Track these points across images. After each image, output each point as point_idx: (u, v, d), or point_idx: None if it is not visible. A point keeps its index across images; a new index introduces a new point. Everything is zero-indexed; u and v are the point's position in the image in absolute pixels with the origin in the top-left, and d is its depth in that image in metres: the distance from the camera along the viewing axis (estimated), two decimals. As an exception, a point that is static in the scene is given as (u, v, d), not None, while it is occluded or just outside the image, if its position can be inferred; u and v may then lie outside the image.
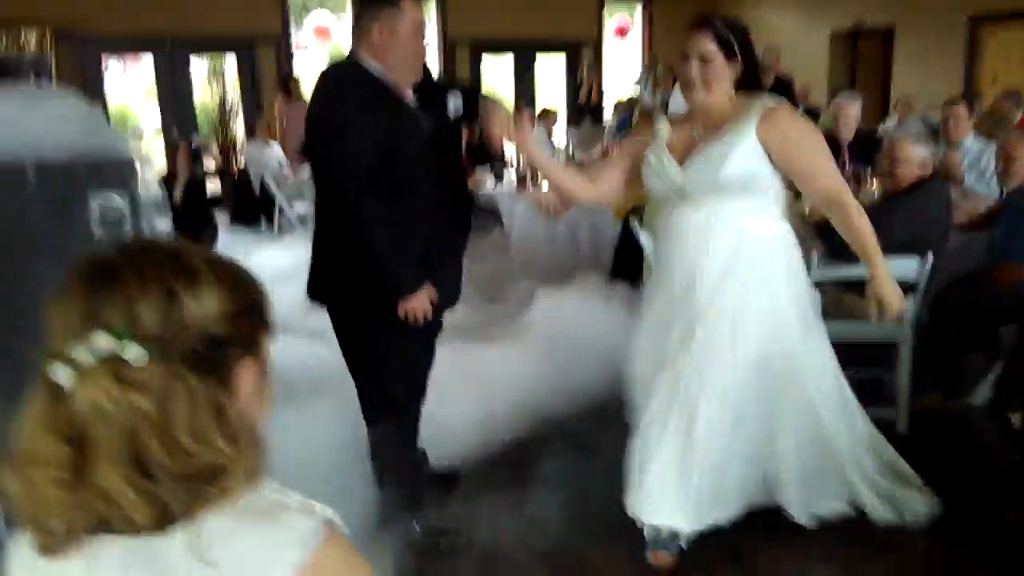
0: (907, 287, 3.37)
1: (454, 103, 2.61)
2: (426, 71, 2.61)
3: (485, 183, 5.98)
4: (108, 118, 8.90)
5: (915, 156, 3.39)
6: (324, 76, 2.53)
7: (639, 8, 12.51)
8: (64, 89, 2.13)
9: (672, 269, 2.48)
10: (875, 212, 3.45)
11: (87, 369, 0.76)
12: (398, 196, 2.43)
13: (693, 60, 2.34)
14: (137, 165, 1.95)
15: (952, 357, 3.61)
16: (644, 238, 4.00)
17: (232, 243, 7.64)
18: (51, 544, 0.80)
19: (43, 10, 8.12)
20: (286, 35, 9.91)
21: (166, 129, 9.60)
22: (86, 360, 0.76)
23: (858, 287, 3.46)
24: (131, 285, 0.79)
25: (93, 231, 1.82)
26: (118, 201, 1.85)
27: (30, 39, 8.11)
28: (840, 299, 3.55)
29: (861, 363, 3.77)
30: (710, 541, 2.57)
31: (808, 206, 3.85)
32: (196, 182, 7.47)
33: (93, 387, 0.75)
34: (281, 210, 7.47)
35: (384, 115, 2.40)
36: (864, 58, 11.11)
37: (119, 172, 1.87)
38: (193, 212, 7.52)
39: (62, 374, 0.76)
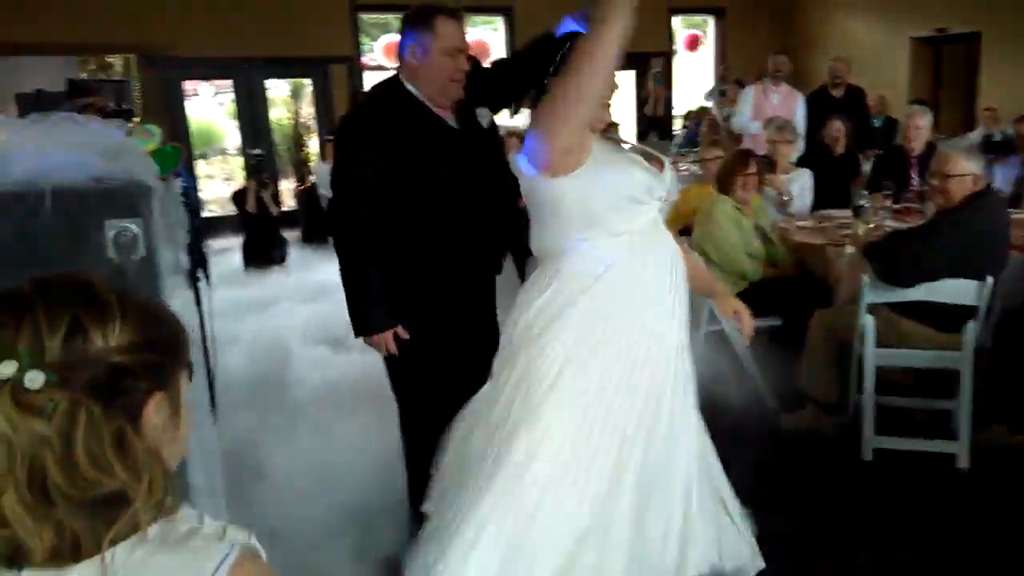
0: (968, 311, 3.19)
1: (484, 116, 2.59)
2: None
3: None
4: (188, 137, 9.35)
5: (966, 170, 3.19)
6: (366, 94, 2.58)
7: (712, 20, 12.32)
8: (90, 120, 2.21)
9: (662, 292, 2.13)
10: (925, 231, 3.28)
11: None
12: (419, 219, 2.43)
13: None
14: (156, 188, 2.00)
15: (1019, 387, 3.37)
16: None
17: (301, 258, 7.89)
18: None
19: (129, 37, 8.57)
20: (358, 56, 10.15)
21: (244, 147, 9.98)
22: None
23: (913, 311, 3.30)
24: (39, 314, 0.81)
25: (108, 254, 1.88)
26: (132, 227, 1.91)
27: (116, 64, 8.56)
28: (895, 324, 3.36)
29: (919, 393, 3.58)
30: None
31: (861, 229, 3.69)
32: (265, 206, 7.78)
33: None
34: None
35: (413, 135, 2.39)
36: (948, 65, 10.62)
37: (134, 197, 1.92)
38: (263, 230, 7.82)
39: None
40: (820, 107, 6.58)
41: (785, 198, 4.82)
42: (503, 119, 2.76)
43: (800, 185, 4.99)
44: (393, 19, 10.48)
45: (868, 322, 3.28)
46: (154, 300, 0.92)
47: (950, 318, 3.23)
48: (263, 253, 7.71)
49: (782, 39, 12.07)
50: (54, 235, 1.85)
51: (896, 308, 3.35)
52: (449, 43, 2.40)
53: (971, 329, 3.17)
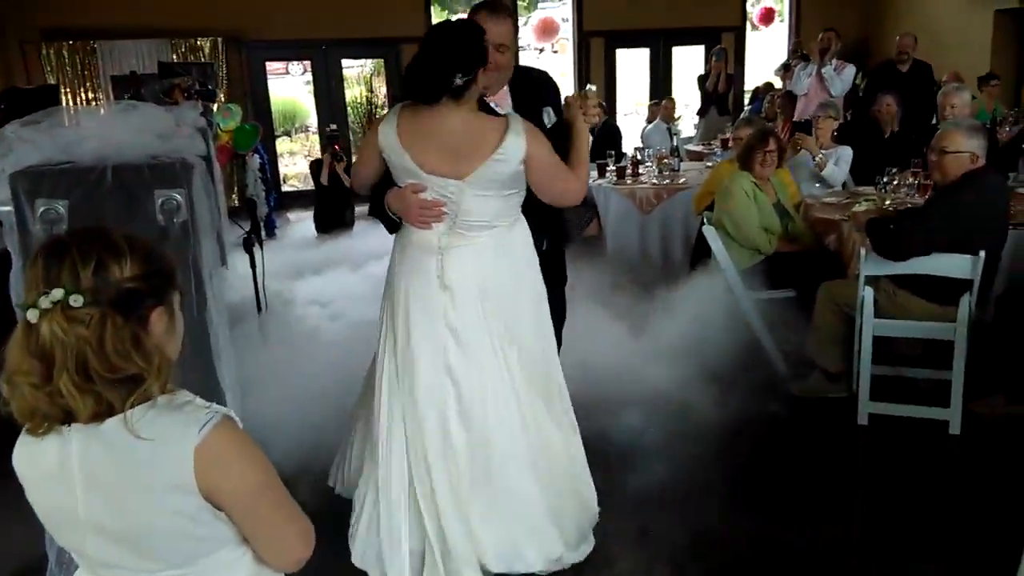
0: (965, 284, 3.32)
1: (548, 114, 2.73)
2: (533, 81, 2.78)
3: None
4: (271, 114, 9.92)
5: (963, 147, 3.28)
6: None
7: (787, -7, 12.12)
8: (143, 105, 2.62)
9: None
10: (920, 209, 3.40)
11: (46, 311, 1.16)
12: None
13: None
14: (197, 165, 2.40)
15: (1018, 358, 3.47)
16: (709, 234, 4.12)
17: (366, 231, 8.35)
18: (34, 428, 1.22)
19: (215, 21, 9.18)
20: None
21: (320, 124, 10.53)
22: (45, 305, 1.16)
23: (912, 284, 3.45)
24: (75, 256, 1.20)
25: (156, 218, 2.29)
26: (177, 196, 2.31)
27: (204, 46, 9.20)
28: (894, 296, 3.51)
29: (927, 364, 3.72)
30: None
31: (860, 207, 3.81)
32: (338, 177, 8.26)
33: (51, 322, 1.16)
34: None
35: None
36: (1033, 39, 10.20)
37: (179, 172, 2.33)
38: (336, 200, 8.30)
39: (31, 315, 1.17)
40: (885, 82, 6.56)
41: (820, 158, 4.97)
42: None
43: (835, 160, 5.10)
44: (464, 1, 10.82)
45: (867, 294, 3.44)
46: (152, 243, 1.30)
47: (947, 291, 3.36)
48: (334, 221, 8.19)
49: (860, 13, 11.80)
50: (114, 202, 2.27)
51: (896, 281, 3.50)
52: (491, 36, 2.57)
53: (965, 302, 3.30)
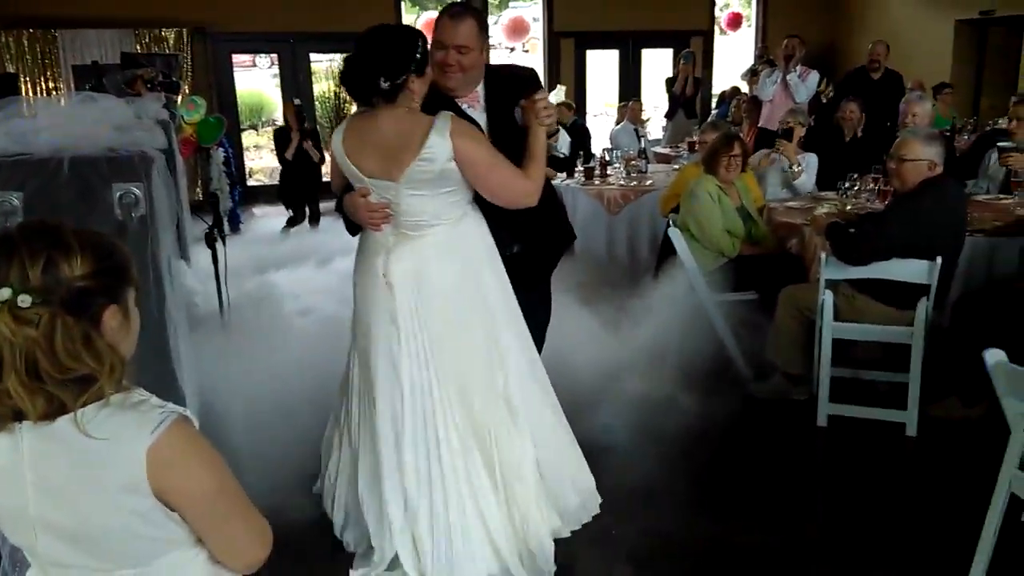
0: (921, 289, 3.38)
1: (519, 113, 2.66)
2: (510, 80, 2.73)
3: (553, 176, 6.19)
4: (236, 107, 9.79)
5: (921, 155, 3.35)
6: None
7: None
8: (107, 96, 2.57)
9: None
10: (879, 215, 3.46)
11: None
12: None
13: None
14: (156, 158, 2.36)
15: (973, 363, 3.54)
16: (674, 236, 4.15)
17: (332, 226, 8.29)
18: None
19: (180, 12, 9.04)
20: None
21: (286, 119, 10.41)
22: None
23: (870, 288, 3.51)
24: (23, 253, 1.16)
25: (114, 212, 2.25)
26: (135, 190, 2.27)
27: (169, 37, 9.06)
28: (853, 300, 3.57)
29: (886, 367, 3.79)
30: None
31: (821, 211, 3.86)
32: (306, 153, 8.03)
33: None
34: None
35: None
36: (992, 49, 10.45)
37: (138, 165, 2.28)
38: (302, 179, 8.11)
39: None
40: (855, 88, 6.67)
41: (797, 168, 5.03)
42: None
43: (807, 162, 5.17)
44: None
45: (827, 298, 3.50)
46: (108, 237, 1.26)
47: (905, 296, 3.42)
48: (300, 200, 8.07)
49: (825, 20, 11.99)
50: (71, 194, 2.22)
51: (855, 285, 3.56)
52: (436, 36, 2.63)
53: (923, 306, 3.37)
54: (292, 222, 8.22)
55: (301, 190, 8.20)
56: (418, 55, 2.33)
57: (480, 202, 2.55)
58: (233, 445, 2.67)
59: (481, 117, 2.71)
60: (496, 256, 2.58)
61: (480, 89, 2.72)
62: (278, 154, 8.34)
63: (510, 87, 2.72)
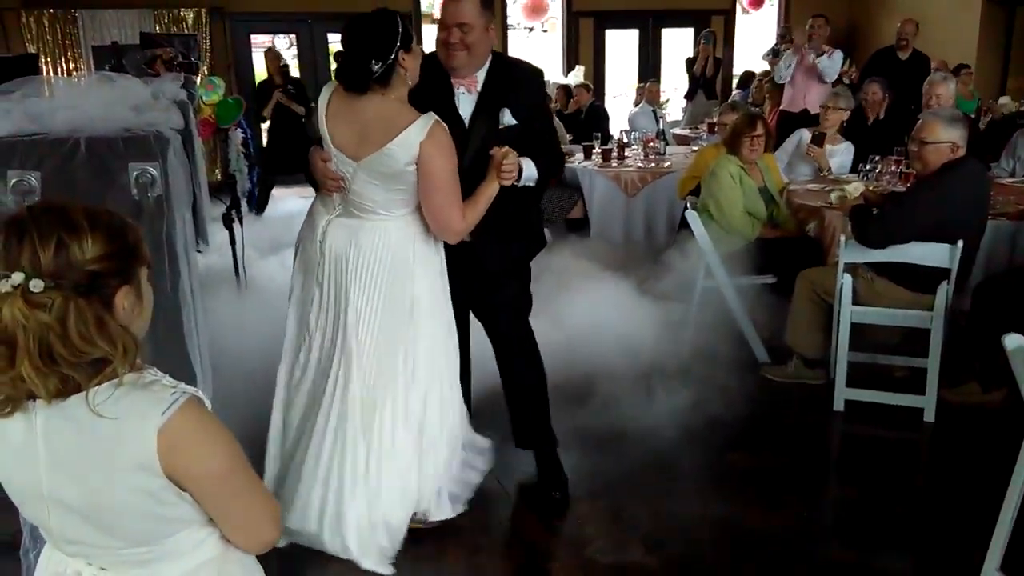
0: (942, 273, 3.34)
1: (506, 117, 2.64)
2: (510, 78, 2.67)
3: (573, 157, 6.16)
4: (255, 88, 9.77)
5: (943, 138, 3.29)
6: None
7: (778, -23, 12.08)
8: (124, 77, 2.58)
9: None
10: (900, 197, 3.42)
11: (6, 295, 1.13)
12: None
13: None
14: (173, 138, 2.36)
15: (993, 348, 3.49)
16: (692, 218, 4.10)
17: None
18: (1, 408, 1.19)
19: (199, -8, 9.06)
20: (417, 11, 10.40)
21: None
22: (5, 289, 1.14)
23: (891, 272, 3.46)
24: (34, 238, 1.16)
25: (130, 192, 2.26)
26: (151, 169, 2.28)
27: (187, 17, 9.07)
28: (872, 284, 3.53)
29: (906, 352, 3.75)
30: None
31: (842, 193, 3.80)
32: (285, 107, 7.61)
33: (11, 307, 1.13)
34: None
35: (429, 96, 2.53)
36: (1020, 31, 10.23)
37: (154, 145, 2.28)
38: (286, 137, 7.69)
39: None
40: (884, 68, 6.56)
41: (823, 173, 4.95)
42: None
43: (839, 160, 5.09)
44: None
45: (846, 281, 3.46)
46: (118, 215, 1.26)
47: (925, 280, 3.38)
48: (285, 162, 7.58)
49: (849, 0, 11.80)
50: (87, 174, 2.23)
51: (874, 268, 3.51)
52: (440, 17, 2.64)
53: (943, 291, 3.32)
54: (259, 205, 7.43)
55: (287, 155, 7.54)
56: (400, 30, 2.35)
57: None
58: (244, 420, 2.68)
59: (470, 103, 2.66)
60: (433, 264, 2.57)
61: (481, 75, 2.66)
62: (257, 112, 7.84)
63: (511, 82, 2.67)
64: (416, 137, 2.32)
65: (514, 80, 2.70)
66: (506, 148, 2.52)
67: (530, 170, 2.62)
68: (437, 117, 2.37)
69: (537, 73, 2.82)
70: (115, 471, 1.18)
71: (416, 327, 2.53)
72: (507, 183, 2.54)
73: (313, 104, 2.59)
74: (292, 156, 7.83)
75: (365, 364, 2.49)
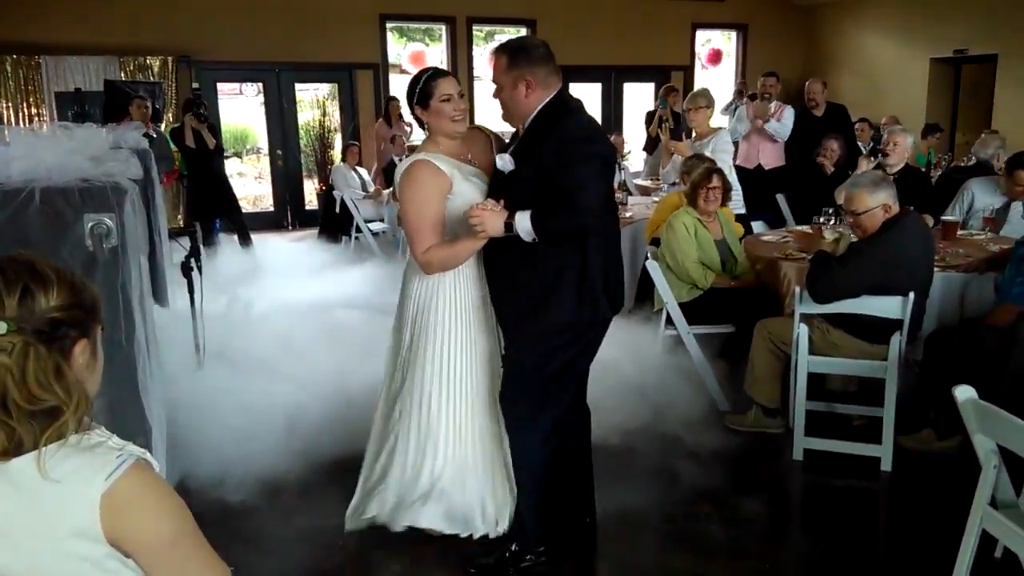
0: (895, 324, 3.42)
1: (501, 160, 2.65)
2: (536, 130, 2.59)
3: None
4: (221, 135, 9.77)
5: (872, 204, 3.43)
6: None
7: (734, 34, 12.49)
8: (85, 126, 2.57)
9: None
10: (844, 259, 3.51)
11: None
12: None
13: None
14: (130, 189, 2.34)
15: (946, 397, 3.56)
16: (652, 268, 4.15)
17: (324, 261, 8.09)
18: None
19: (167, 41, 9.07)
20: (384, 63, 10.53)
21: (271, 148, 10.46)
22: None
23: (845, 323, 3.53)
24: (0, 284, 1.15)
25: (85, 243, 2.23)
26: (107, 220, 2.26)
27: (153, 65, 9.07)
28: (828, 334, 3.60)
29: (864, 401, 3.81)
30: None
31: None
32: (203, 140, 7.51)
33: None
34: (359, 229, 8.00)
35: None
36: (967, 86, 10.67)
37: (110, 196, 2.27)
38: (208, 167, 7.63)
39: None
40: (806, 127, 6.81)
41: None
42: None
43: (714, 146, 5.39)
44: (417, 28, 10.89)
45: (802, 331, 3.52)
46: (79, 274, 1.27)
47: (879, 331, 3.46)
48: (210, 200, 7.70)
49: (803, 56, 12.21)
50: (42, 224, 2.20)
51: (830, 320, 3.58)
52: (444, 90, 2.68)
53: (896, 341, 3.40)
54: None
55: (208, 198, 7.53)
56: (415, 91, 2.70)
57: None
58: (201, 475, 2.63)
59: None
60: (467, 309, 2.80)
61: (525, 125, 2.63)
62: (179, 146, 7.55)
63: (532, 135, 2.59)
64: (404, 165, 2.71)
65: (535, 133, 2.58)
66: (485, 201, 2.56)
67: (522, 223, 2.48)
68: (426, 157, 2.66)
69: (563, 130, 2.53)
70: (55, 538, 1.14)
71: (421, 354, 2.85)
72: (480, 233, 2.53)
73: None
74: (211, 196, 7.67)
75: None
